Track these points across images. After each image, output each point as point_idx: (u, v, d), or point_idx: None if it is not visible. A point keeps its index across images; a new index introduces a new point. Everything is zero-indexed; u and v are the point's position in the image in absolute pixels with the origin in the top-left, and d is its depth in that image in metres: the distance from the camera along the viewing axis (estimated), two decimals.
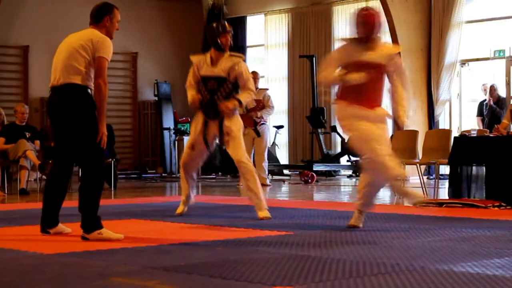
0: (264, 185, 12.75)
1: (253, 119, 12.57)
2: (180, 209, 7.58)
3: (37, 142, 11.80)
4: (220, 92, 7.30)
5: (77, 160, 5.99)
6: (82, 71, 5.81)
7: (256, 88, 12.93)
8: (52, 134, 6.13)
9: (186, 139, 16.28)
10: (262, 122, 12.76)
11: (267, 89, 13.44)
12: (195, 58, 7.52)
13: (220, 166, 15.32)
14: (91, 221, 5.74)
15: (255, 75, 13.11)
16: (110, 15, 6.00)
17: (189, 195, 7.58)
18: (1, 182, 11.25)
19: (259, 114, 12.69)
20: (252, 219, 7.13)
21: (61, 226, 6.06)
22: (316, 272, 4.19)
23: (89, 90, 5.85)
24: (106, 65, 5.85)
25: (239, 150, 7.25)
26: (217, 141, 7.49)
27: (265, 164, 12.93)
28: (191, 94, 7.39)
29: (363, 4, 16.36)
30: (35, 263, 4.67)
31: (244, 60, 7.55)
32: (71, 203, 7.51)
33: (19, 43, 16.55)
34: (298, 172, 15.70)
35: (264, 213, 7.20)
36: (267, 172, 13.12)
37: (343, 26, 16.75)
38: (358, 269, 4.30)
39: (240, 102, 7.36)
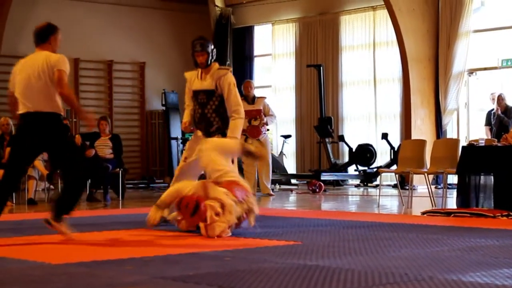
0: (268, 195, 12.69)
1: (258, 128, 12.39)
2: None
3: (45, 152, 11.79)
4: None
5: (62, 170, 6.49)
6: (48, 98, 6.21)
7: (253, 97, 12.78)
8: (15, 149, 6.39)
9: None
10: (263, 132, 12.54)
11: (264, 97, 12.98)
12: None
13: None
14: (64, 213, 6.20)
15: (249, 84, 12.91)
16: (54, 35, 6.44)
17: None
18: None
19: (264, 119, 12.48)
20: (261, 228, 7.12)
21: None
22: (324, 282, 4.18)
23: (61, 117, 6.28)
24: (65, 77, 6.19)
25: None
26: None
27: (269, 174, 12.81)
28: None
29: (370, 14, 16.42)
30: (43, 273, 4.67)
31: None
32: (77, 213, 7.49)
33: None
34: (305, 182, 15.67)
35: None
36: (270, 182, 12.96)
37: (350, 36, 16.78)
38: (367, 279, 4.30)
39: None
